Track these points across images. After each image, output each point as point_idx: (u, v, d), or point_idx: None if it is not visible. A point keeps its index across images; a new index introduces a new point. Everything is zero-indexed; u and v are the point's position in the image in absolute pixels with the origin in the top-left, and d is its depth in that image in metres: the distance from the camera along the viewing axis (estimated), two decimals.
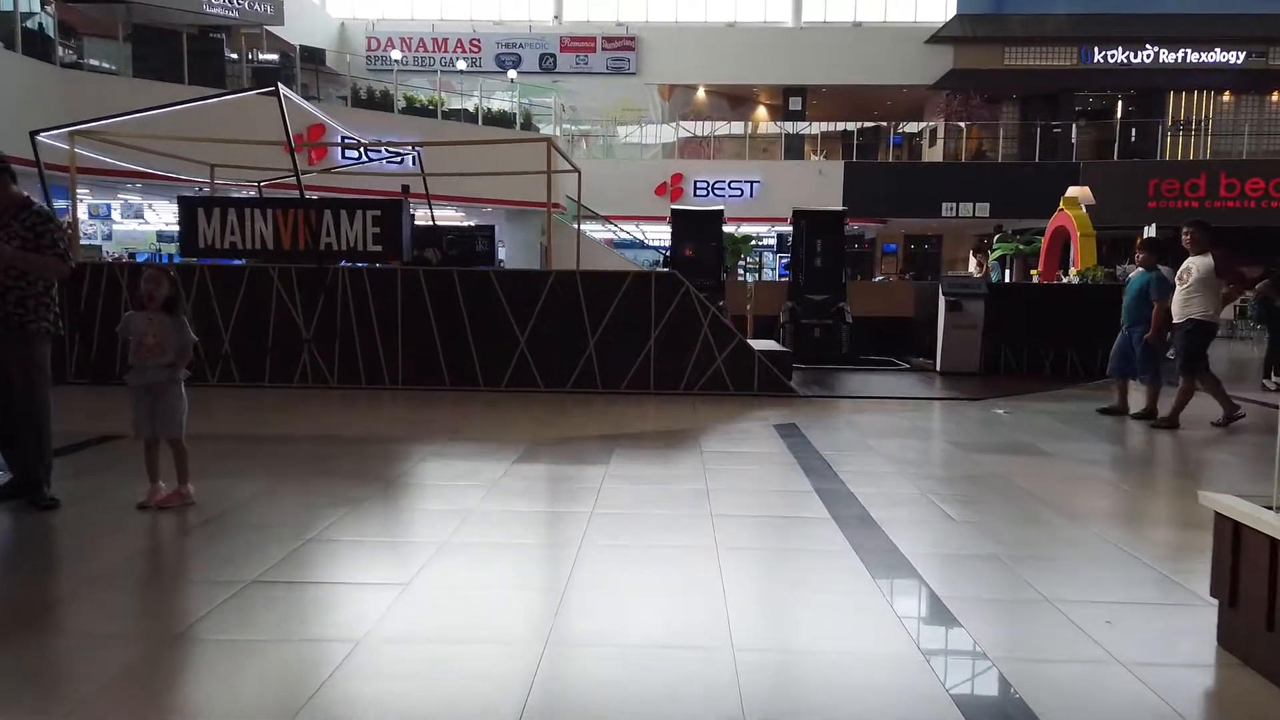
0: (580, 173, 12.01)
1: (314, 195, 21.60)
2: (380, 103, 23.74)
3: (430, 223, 13.79)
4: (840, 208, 12.91)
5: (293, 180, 9.90)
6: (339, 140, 21.16)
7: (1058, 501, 5.19)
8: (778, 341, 12.18)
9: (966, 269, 32.51)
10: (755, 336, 13.03)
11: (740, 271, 22.06)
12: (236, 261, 9.86)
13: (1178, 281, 7.82)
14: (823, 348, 12.26)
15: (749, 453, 6.57)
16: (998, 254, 17.34)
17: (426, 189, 13.77)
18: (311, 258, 9.26)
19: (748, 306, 13.75)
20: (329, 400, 8.89)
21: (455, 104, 25.68)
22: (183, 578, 3.86)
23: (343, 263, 9.56)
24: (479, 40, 32.56)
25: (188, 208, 9.30)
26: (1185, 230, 7.90)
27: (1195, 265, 7.69)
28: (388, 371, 9.40)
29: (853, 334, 12.32)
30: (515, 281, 9.42)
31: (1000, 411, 8.51)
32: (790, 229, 23.69)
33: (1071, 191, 17.76)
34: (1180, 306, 7.76)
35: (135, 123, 9.80)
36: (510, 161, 14.36)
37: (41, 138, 9.31)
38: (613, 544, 4.23)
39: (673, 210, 13.07)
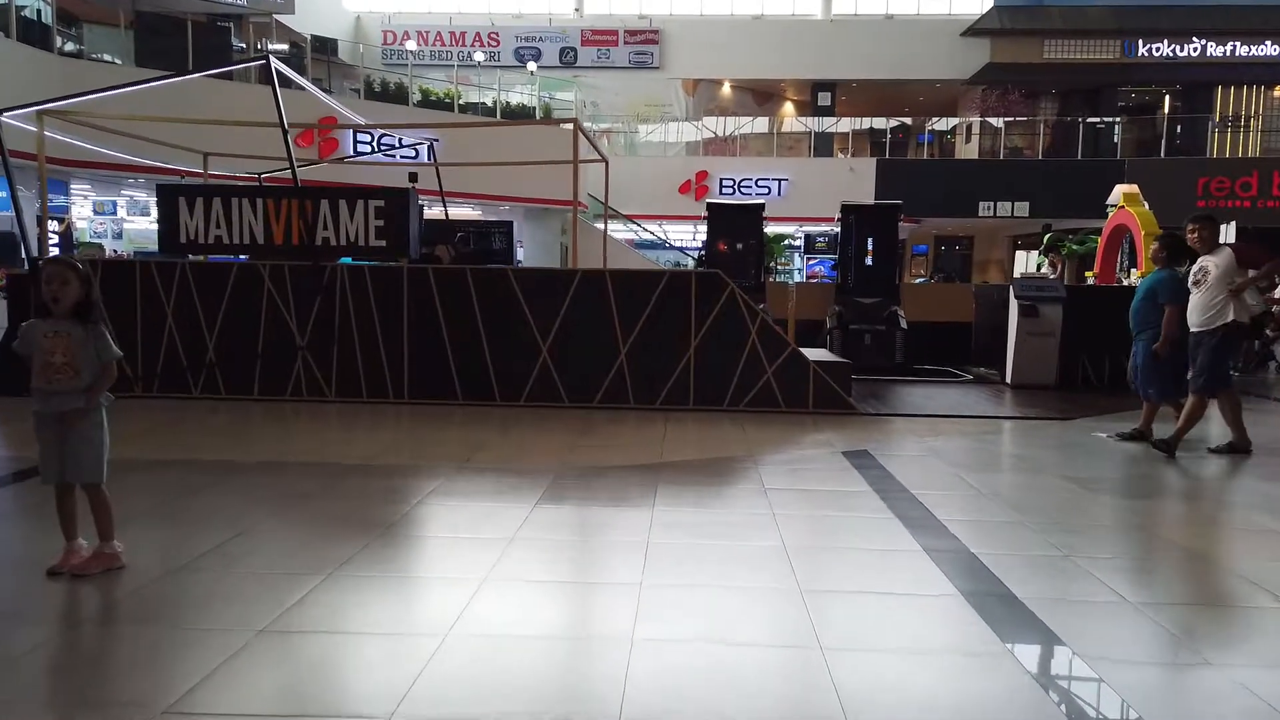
0: (608, 162, 10.89)
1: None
2: (395, 95, 22.78)
3: (444, 218, 12.73)
4: (895, 202, 11.74)
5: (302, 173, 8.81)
6: (351, 133, 20.24)
7: (1242, 568, 4.00)
8: (828, 349, 11.01)
9: (1004, 272, 31.37)
10: (798, 343, 11.87)
11: (776, 271, 20.92)
12: (224, 258, 8.77)
13: (1193, 286, 6.64)
14: (874, 356, 11.08)
15: (824, 492, 5.39)
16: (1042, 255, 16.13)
17: (440, 182, 12.69)
18: (307, 255, 8.16)
19: (789, 309, 12.58)
20: (325, 416, 7.79)
21: (473, 97, 24.65)
22: (63, 700, 2.73)
23: (343, 260, 8.48)
24: (497, 34, 31.56)
25: (167, 197, 8.22)
26: (1190, 227, 6.74)
27: (1212, 263, 6.52)
28: (392, 383, 8.30)
29: (907, 341, 11.12)
30: (537, 282, 8.29)
31: (1104, 435, 7.29)
32: (825, 227, 22.30)
33: (1118, 190, 16.65)
34: (1200, 312, 6.54)
35: (115, 104, 8.74)
36: (531, 155, 13.28)
37: (8, 118, 8.26)
38: (673, 638, 3.08)
39: (709, 205, 11.92)
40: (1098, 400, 9.32)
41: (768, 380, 8.14)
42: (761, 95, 34.13)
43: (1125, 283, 14.70)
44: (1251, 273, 6.60)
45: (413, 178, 9.91)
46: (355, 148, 20.59)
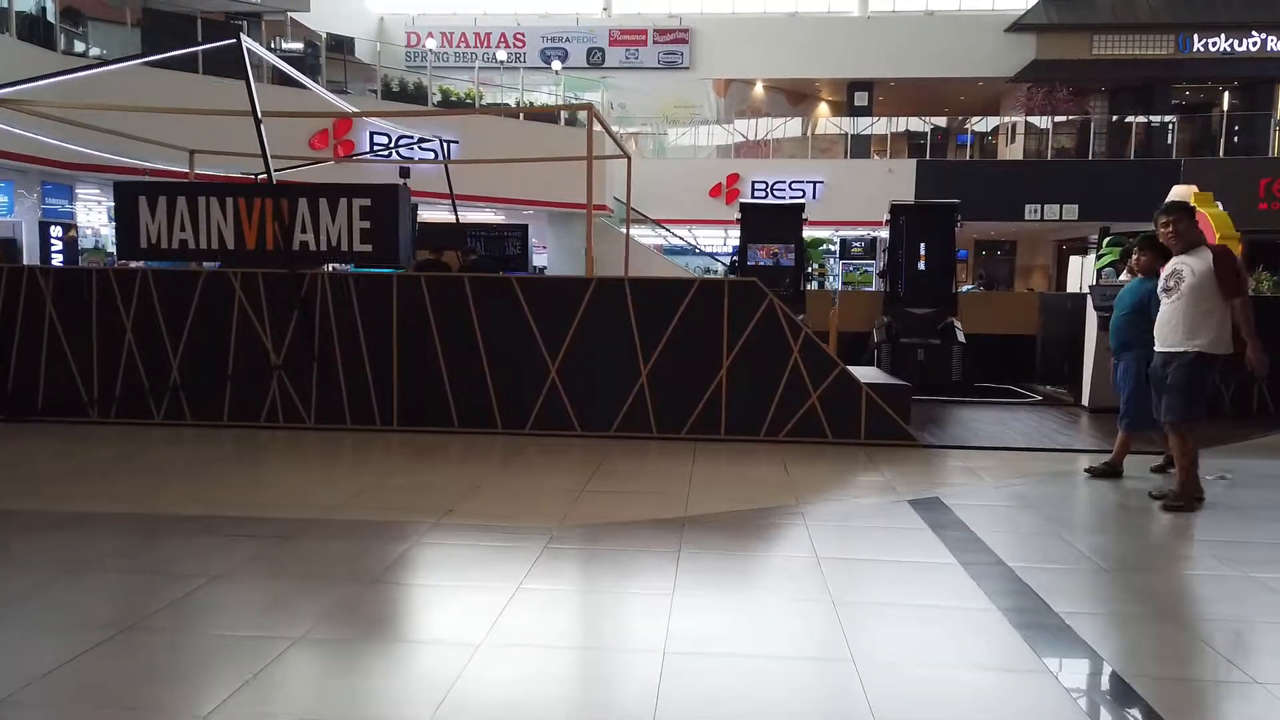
0: (630, 158, 9.79)
1: None
2: (414, 96, 21.86)
3: (453, 222, 11.70)
4: (952, 200, 10.54)
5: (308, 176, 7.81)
6: (368, 135, 19.35)
7: None
8: (876, 366, 9.81)
9: (1048, 279, 29.87)
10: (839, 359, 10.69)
11: (813, 278, 19.72)
12: (194, 265, 7.76)
13: (1163, 293, 5.29)
14: (928, 374, 9.86)
15: (895, 563, 4.22)
16: (1105, 260, 14.78)
17: (450, 184, 11.67)
18: (283, 261, 7.13)
19: (831, 320, 11.40)
20: (301, 447, 6.73)
21: (495, 98, 23.68)
22: None
23: (328, 267, 7.45)
24: (523, 34, 30.70)
25: (125, 196, 7.21)
26: (1163, 220, 5.28)
27: (1188, 266, 5.14)
28: (379, 409, 7.23)
29: (965, 357, 9.90)
30: (545, 292, 7.18)
31: (1227, 477, 6.05)
32: (861, 232, 21.03)
33: (1177, 191, 15.38)
34: (1170, 328, 5.23)
35: (79, 92, 7.78)
36: (552, 163, 12.30)
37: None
38: None
39: (743, 205, 10.77)
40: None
41: (813, 406, 6.97)
42: (795, 96, 32.95)
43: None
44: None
45: (404, 173, 8.85)
46: (372, 150, 19.70)
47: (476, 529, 4.57)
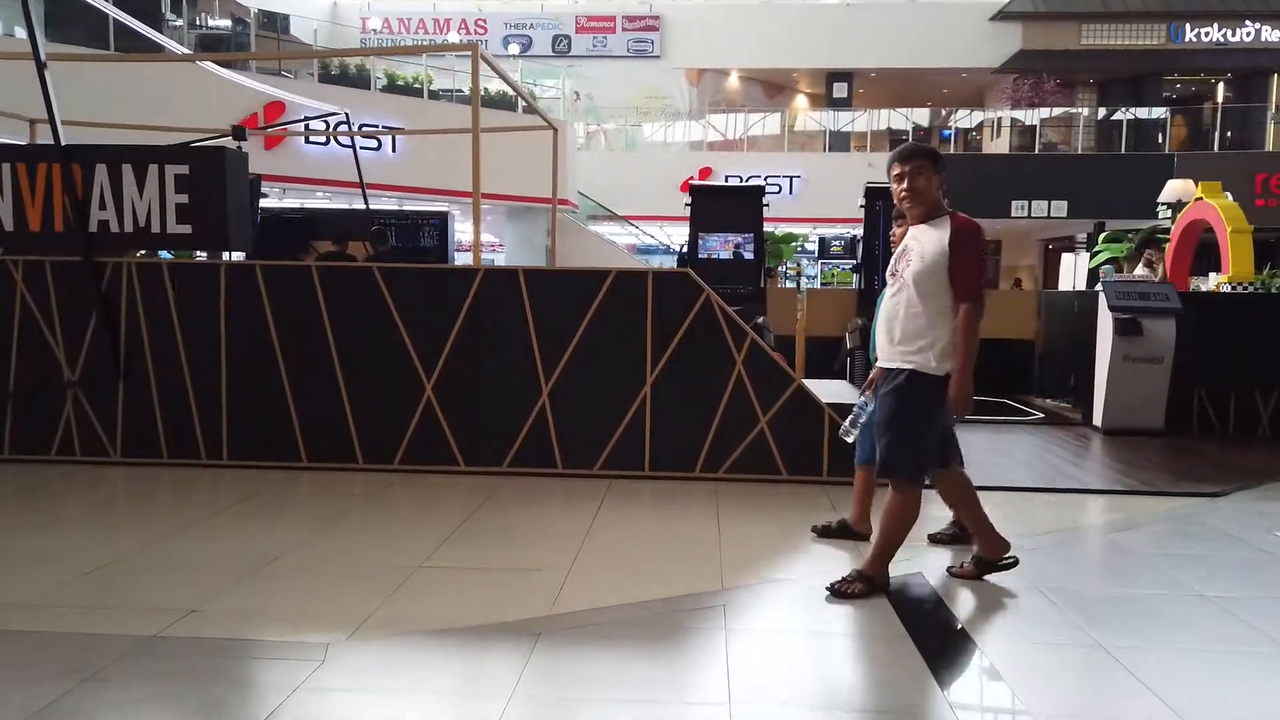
0: (556, 131, 8.19)
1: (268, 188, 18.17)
2: (355, 79, 20.16)
3: (363, 209, 10.08)
4: None
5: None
6: (302, 121, 17.64)
7: None
8: (847, 378, 8.27)
9: (1035, 279, 28.53)
10: (808, 371, 9.13)
11: (788, 276, 18.22)
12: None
13: (890, 276, 3.65)
14: None
15: None
16: (1102, 258, 13.37)
17: (358, 164, 10.05)
18: (77, 246, 5.48)
19: (798, 323, 9.85)
20: (93, 493, 5.10)
21: (446, 83, 21.99)
22: None
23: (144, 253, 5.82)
24: (484, 20, 29.14)
25: None
26: (897, 169, 3.51)
27: (919, 242, 3.50)
28: (205, 438, 5.59)
29: None
30: (417, 286, 5.56)
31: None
32: (841, 229, 19.72)
33: (1172, 186, 14.05)
34: (891, 337, 3.57)
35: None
36: (514, 148, 10.72)
37: None
38: None
39: (692, 188, 9.18)
40: (1235, 457, 6.53)
41: (762, 433, 5.39)
42: (772, 87, 31.52)
43: (1204, 287, 11.99)
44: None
45: (239, 135, 7.18)
46: (307, 138, 18.01)
47: (194, 653, 2.92)
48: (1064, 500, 5.22)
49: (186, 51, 9.35)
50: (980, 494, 5.20)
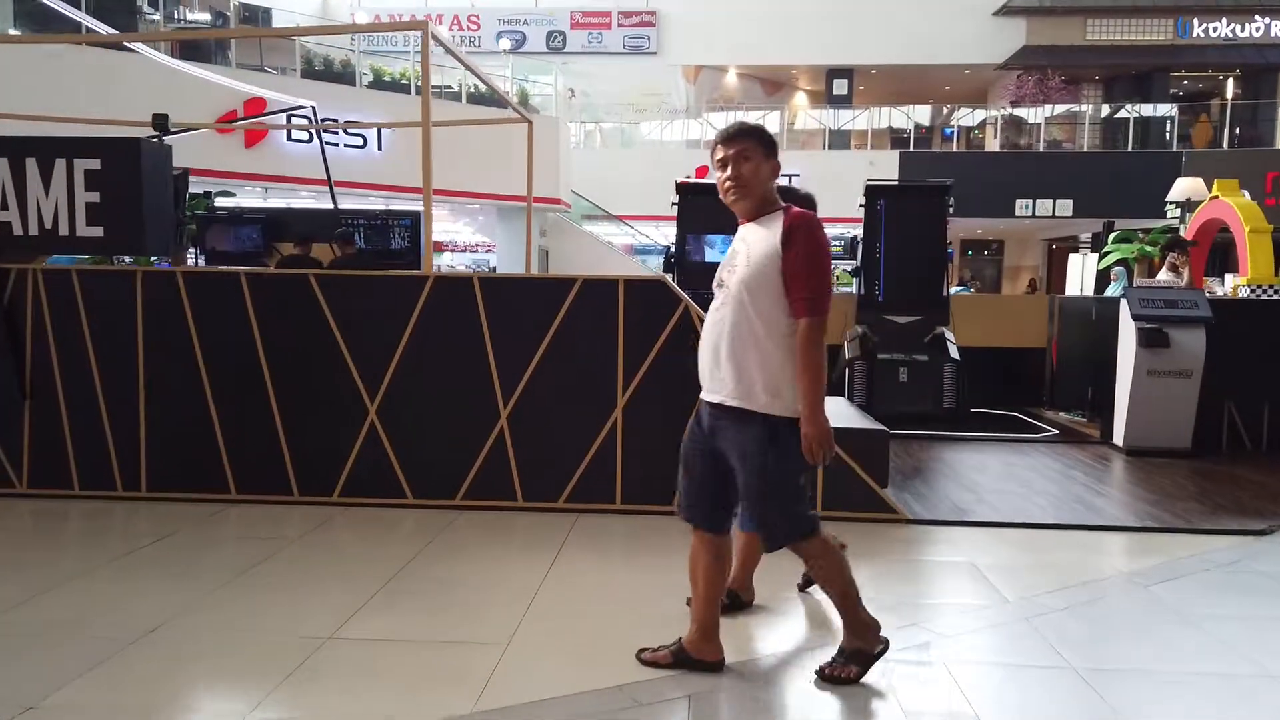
0: (531, 124, 7.56)
1: (250, 187, 17.52)
2: (340, 75, 19.54)
3: (329, 208, 9.46)
4: (943, 181, 8.37)
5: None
6: (282, 118, 17.00)
7: None
8: (845, 393, 7.64)
9: (1038, 280, 27.86)
10: None
11: None
12: None
13: (715, 287, 2.95)
14: (913, 400, 7.69)
15: None
16: (1112, 259, 12.74)
17: (325, 160, 9.44)
18: None
19: None
20: None
21: (436, 80, 21.35)
22: None
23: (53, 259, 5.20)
24: (477, 16, 28.54)
25: None
26: (720, 155, 2.86)
27: (747, 243, 2.84)
28: (121, 467, 4.96)
29: (959, 377, 7.73)
30: (359, 295, 4.93)
31: None
32: (842, 229, 19.11)
33: (1181, 185, 13.47)
34: (718, 361, 2.86)
35: None
36: (506, 146, 10.16)
37: None
38: None
39: (679, 185, 8.54)
40: (1273, 481, 5.90)
41: None
42: (771, 84, 30.92)
43: (1220, 290, 11.40)
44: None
45: (160, 124, 6.52)
46: (289, 134, 17.40)
47: None
48: (1092, 541, 4.58)
49: (112, 31, 8.64)
50: (994, 533, 4.60)
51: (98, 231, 4.84)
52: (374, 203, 16.88)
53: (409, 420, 4.88)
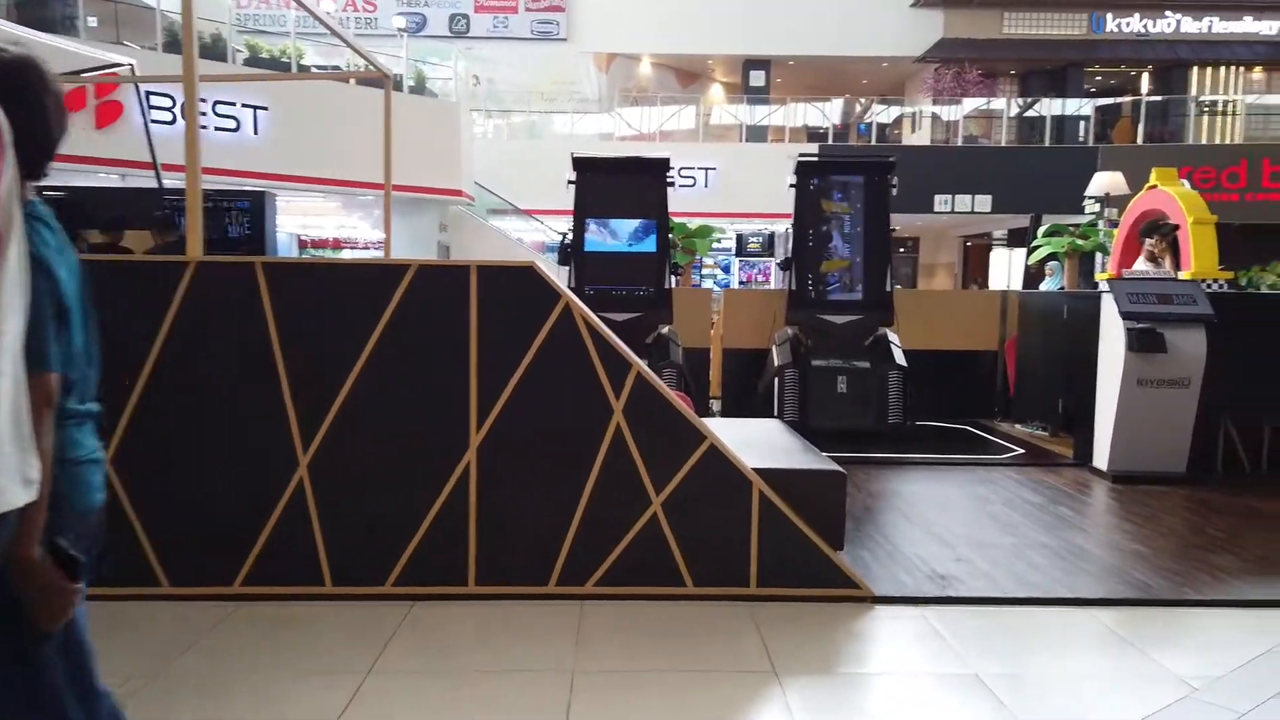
0: (389, 79, 6.07)
1: (104, 174, 15.51)
2: (211, 50, 17.56)
3: (153, 188, 7.79)
4: (885, 159, 7.14)
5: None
6: (135, 97, 15.02)
7: None
8: (775, 408, 6.36)
9: (953, 278, 27.36)
10: (725, 398, 7.21)
11: (695, 273, 16.38)
12: None
13: None
14: (854, 413, 6.46)
15: None
16: (1041, 253, 11.88)
17: (149, 133, 7.78)
18: None
19: (713, 332, 7.91)
20: None
21: (318, 59, 19.51)
22: None
23: None
24: None
25: None
26: None
27: None
28: None
29: (906, 387, 6.52)
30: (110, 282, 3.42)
31: None
32: (759, 225, 18.11)
33: (1099, 180, 12.76)
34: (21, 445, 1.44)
35: None
36: (400, 132, 8.70)
37: None
38: None
39: (575, 159, 7.10)
40: None
41: (653, 521, 3.40)
42: (686, 75, 29.82)
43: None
44: None
45: None
46: (147, 115, 15.38)
47: None
48: (1120, 621, 3.34)
49: None
50: (1000, 614, 3.33)
51: None
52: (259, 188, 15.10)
53: (152, 468, 3.36)
